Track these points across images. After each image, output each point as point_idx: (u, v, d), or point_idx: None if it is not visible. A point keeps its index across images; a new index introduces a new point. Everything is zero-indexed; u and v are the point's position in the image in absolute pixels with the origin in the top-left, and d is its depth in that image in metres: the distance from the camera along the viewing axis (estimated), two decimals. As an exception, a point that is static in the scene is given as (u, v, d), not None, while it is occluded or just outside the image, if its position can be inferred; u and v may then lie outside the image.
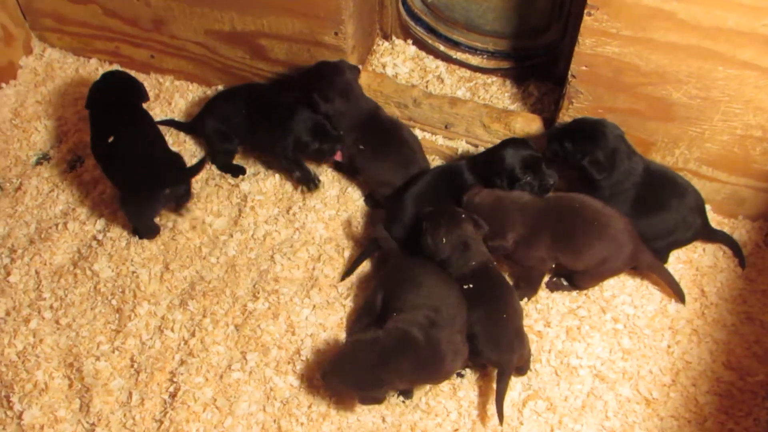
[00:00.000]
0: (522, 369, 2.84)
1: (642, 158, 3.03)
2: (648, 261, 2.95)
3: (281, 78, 3.64)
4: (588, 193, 2.97)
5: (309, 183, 3.37)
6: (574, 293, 3.05)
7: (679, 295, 3.00)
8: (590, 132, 2.97)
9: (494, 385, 2.72)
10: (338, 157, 3.29)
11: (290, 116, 3.25)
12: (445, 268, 2.84)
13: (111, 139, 3.16)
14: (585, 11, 2.72)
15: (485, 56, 3.59)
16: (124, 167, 3.15)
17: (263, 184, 3.44)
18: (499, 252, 2.90)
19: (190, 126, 3.64)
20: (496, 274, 2.85)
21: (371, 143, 3.24)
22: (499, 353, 2.72)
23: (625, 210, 2.95)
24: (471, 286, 2.79)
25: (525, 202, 2.88)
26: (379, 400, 2.73)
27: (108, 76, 3.44)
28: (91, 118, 3.31)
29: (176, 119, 3.72)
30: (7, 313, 3.09)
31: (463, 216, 2.84)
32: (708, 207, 3.20)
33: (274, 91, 3.50)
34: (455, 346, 2.66)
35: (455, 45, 3.61)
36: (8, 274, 3.20)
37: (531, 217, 2.86)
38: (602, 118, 3.00)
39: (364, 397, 2.72)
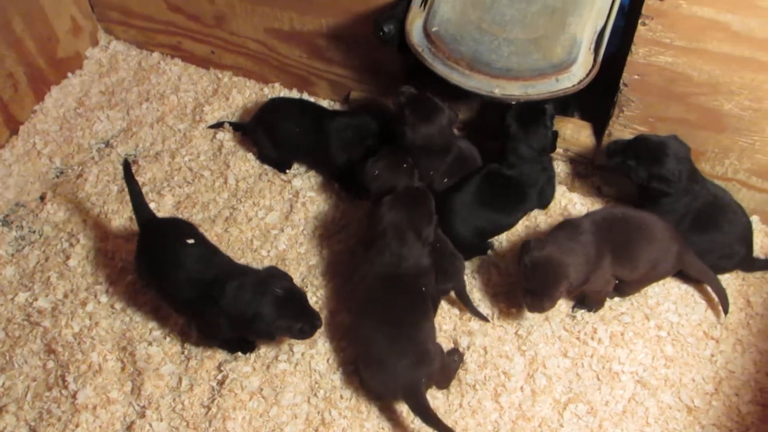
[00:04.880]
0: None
1: (704, 180, 3.03)
2: (695, 264, 2.95)
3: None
4: (647, 206, 3.00)
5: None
6: (617, 299, 3.06)
7: (723, 303, 2.98)
8: (655, 151, 2.94)
9: (532, 386, 2.86)
10: None
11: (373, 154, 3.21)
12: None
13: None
14: (639, 21, 2.74)
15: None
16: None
17: (315, 181, 3.52)
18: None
19: (244, 127, 3.70)
20: None
21: (454, 175, 3.22)
22: (453, 280, 2.98)
23: (681, 224, 2.98)
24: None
25: (583, 241, 2.81)
26: None
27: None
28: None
29: (230, 120, 3.79)
30: (65, 296, 3.18)
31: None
32: (756, 218, 3.21)
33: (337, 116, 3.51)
34: None
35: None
36: (67, 258, 3.30)
37: (592, 252, 2.80)
38: (670, 136, 2.97)
39: None
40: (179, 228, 2.99)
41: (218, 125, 3.75)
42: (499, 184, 3.14)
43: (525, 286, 2.82)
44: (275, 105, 3.61)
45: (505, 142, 3.13)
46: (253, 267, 2.93)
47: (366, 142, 3.31)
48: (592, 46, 2.92)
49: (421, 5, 3.08)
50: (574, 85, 2.91)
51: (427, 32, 3.03)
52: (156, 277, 2.91)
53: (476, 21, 3.00)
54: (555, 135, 3.18)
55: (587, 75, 2.90)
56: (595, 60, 2.90)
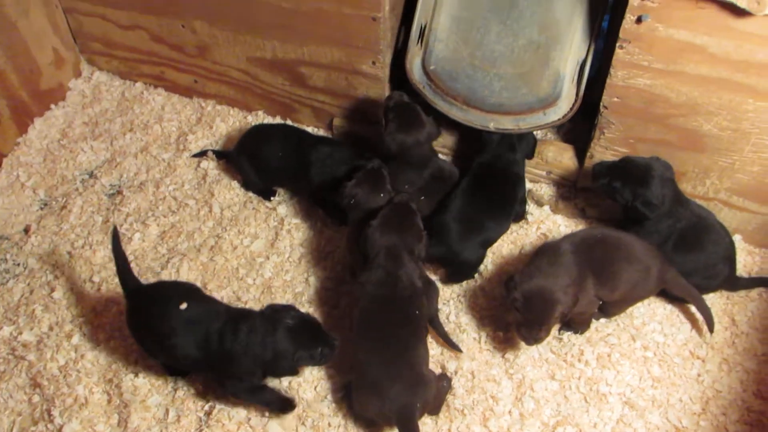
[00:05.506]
0: None
1: (688, 202, 3.05)
2: (679, 283, 2.96)
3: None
4: (631, 227, 3.02)
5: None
6: (603, 320, 3.07)
7: (708, 322, 2.99)
8: (640, 174, 2.95)
9: (520, 410, 2.85)
10: None
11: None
12: None
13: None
14: (617, 44, 2.77)
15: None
16: None
17: (299, 208, 3.52)
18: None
19: (227, 155, 3.70)
20: None
21: (431, 194, 3.24)
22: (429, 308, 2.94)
23: (665, 245, 3.00)
24: None
25: (565, 263, 2.82)
26: None
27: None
28: None
29: (214, 148, 3.79)
30: (51, 328, 3.16)
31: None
32: (738, 237, 3.24)
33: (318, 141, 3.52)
34: None
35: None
36: (52, 290, 3.29)
37: (575, 272, 2.81)
38: (653, 157, 3.00)
39: None
40: (169, 292, 2.85)
41: (202, 154, 3.75)
42: (489, 184, 3.15)
43: (519, 320, 2.81)
44: (258, 132, 3.63)
45: (490, 150, 3.20)
46: (251, 309, 2.87)
47: (348, 168, 3.29)
48: (575, 79, 2.99)
49: (417, 42, 3.15)
50: (560, 118, 3.07)
51: (425, 70, 3.15)
52: (156, 343, 2.78)
53: (468, 58, 3.12)
54: (535, 141, 3.27)
55: (571, 109, 3.05)
56: (577, 94, 2.99)
